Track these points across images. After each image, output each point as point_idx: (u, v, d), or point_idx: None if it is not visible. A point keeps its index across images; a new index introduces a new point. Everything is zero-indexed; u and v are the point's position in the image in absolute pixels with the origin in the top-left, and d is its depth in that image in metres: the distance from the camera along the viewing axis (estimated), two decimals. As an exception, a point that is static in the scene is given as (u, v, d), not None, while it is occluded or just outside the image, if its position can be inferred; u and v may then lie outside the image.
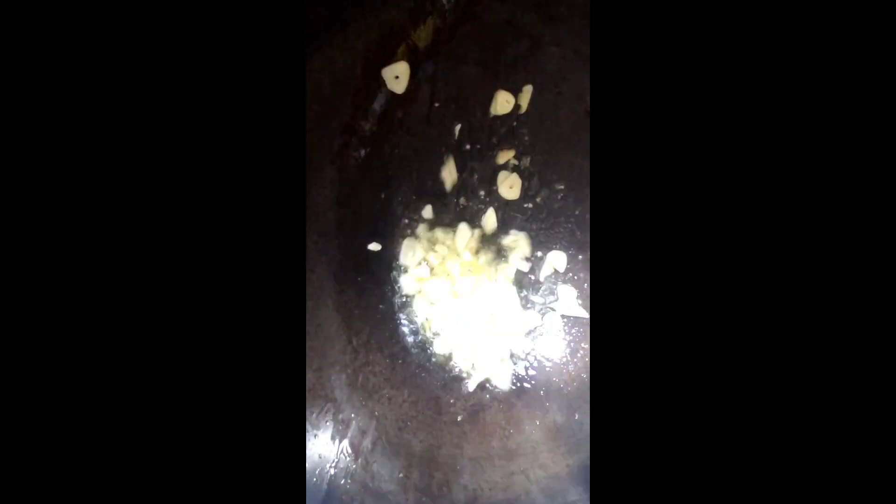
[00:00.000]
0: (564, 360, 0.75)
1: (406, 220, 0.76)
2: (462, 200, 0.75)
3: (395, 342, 0.75)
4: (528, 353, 0.76)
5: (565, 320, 0.76)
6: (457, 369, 0.75)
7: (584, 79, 0.67)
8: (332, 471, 0.66)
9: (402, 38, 0.65)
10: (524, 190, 0.75)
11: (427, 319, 0.76)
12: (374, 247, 0.74)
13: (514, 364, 0.75)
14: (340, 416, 0.69)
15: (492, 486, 0.68)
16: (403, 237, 0.77)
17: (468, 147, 0.72)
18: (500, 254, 0.76)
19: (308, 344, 0.68)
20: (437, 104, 0.70)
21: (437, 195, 0.75)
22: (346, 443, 0.68)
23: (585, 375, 0.74)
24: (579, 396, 0.73)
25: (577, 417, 0.71)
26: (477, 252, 0.76)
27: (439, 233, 0.77)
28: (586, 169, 0.71)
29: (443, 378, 0.74)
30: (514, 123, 0.71)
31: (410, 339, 0.75)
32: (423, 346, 0.75)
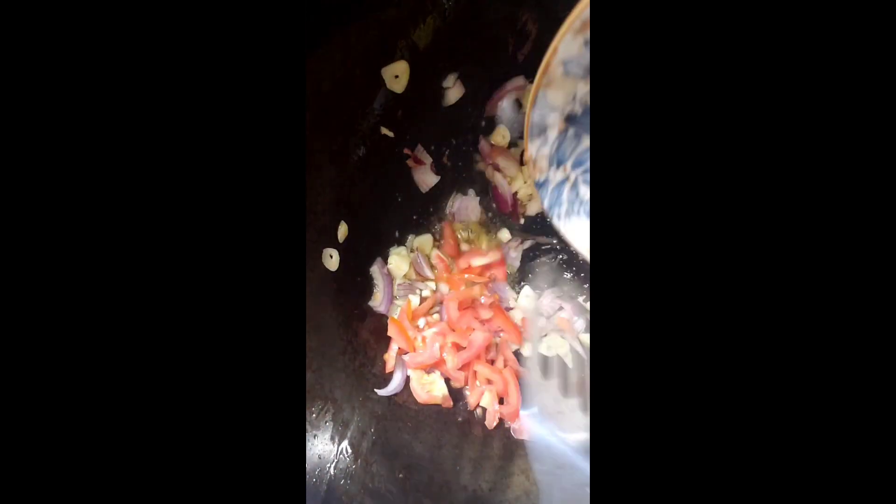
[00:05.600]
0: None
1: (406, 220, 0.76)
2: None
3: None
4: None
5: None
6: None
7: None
8: (332, 471, 0.66)
9: (402, 37, 0.65)
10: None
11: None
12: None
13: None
14: (340, 417, 0.69)
15: (492, 487, 0.68)
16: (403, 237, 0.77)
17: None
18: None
19: (308, 344, 0.68)
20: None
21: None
22: (345, 443, 0.68)
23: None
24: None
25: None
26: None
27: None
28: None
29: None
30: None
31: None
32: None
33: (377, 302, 0.74)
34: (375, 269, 0.74)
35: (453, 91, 0.70)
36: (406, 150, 0.73)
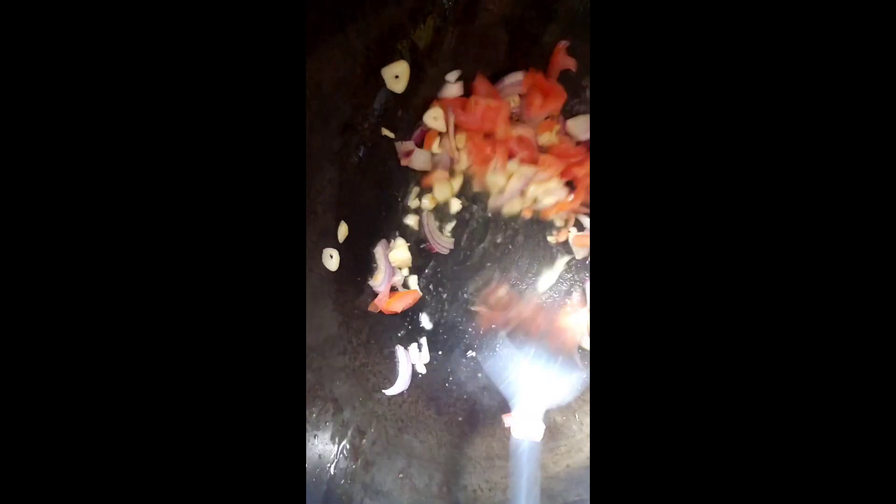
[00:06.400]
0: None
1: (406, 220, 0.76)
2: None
3: (394, 342, 0.75)
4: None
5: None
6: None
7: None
8: (332, 471, 0.66)
9: (402, 37, 0.65)
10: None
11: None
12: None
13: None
14: (340, 417, 0.69)
15: (492, 487, 0.68)
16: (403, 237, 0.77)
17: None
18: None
19: (308, 344, 0.68)
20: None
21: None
22: (345, 443, 0.68)
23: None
24: (579, 397, 0.73)
25: (577, 417, 0.71)
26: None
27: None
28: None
29: (444, 377, 0.74)
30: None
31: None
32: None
33: (377, 282, 0.74)
34: (379, 251, 0.74)
35: (453, 89, 0.70)
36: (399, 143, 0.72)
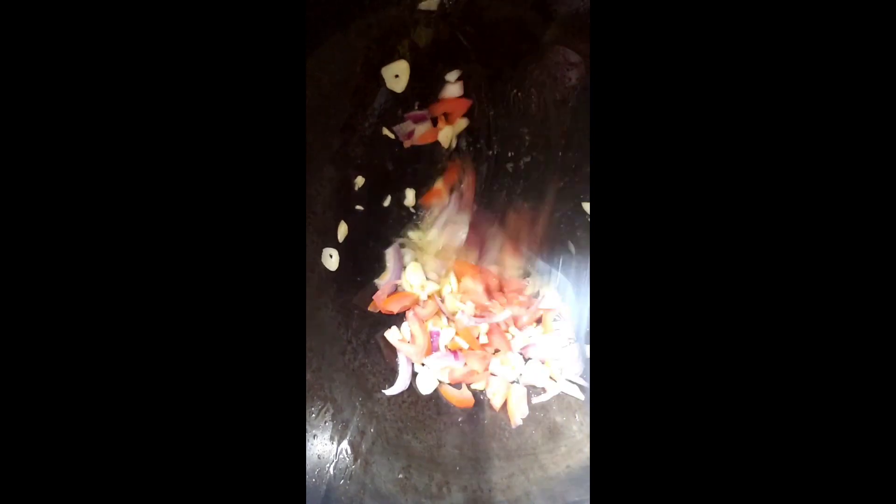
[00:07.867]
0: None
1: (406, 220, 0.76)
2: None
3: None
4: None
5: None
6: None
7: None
8: (332, 471, 0.66)
9: (402, 36, 0.65)
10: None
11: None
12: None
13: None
14: (340, 417, 0.69)
15: (491, 487, 0.68)
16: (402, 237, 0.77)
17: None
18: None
19: (308, 344, 0.68)
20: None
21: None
22: (345, 443, 0.68)
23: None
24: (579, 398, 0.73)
25: (577, 417, 0.71)
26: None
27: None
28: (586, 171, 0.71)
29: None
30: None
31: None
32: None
33: (383, 280, 0.73)
34: (391, 252, 0.73)
35: (453, 89, 0.70)
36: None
